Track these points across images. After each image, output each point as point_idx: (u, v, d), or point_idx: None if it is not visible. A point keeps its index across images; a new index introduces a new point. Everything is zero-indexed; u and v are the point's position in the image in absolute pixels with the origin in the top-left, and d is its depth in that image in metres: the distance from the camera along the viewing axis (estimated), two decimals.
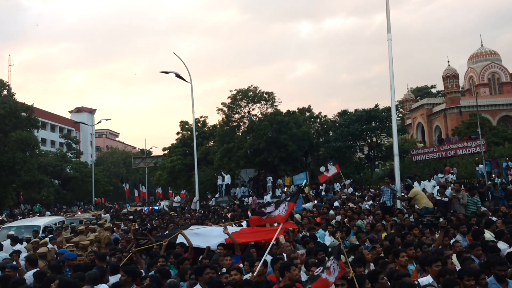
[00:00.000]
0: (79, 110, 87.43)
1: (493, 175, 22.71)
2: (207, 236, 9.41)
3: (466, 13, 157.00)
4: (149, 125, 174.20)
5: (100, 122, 53.55)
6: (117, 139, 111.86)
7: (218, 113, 37.04)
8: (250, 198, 25.08)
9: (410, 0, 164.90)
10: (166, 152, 46.55)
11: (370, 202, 17.15)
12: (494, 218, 10.75)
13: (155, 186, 52.51)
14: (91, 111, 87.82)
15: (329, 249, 8.49)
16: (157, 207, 35.34)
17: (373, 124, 36.48)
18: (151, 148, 70.73)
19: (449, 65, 58.43)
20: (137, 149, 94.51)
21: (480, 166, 24.48)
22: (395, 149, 14.23)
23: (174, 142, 44.56)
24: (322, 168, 23.83)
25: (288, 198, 8.69)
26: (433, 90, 76.61)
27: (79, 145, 76.00)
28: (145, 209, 33.48)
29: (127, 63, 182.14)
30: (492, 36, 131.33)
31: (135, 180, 64.56)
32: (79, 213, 30.65)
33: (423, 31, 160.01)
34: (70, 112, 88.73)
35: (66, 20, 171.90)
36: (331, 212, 15.26)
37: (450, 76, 57.11)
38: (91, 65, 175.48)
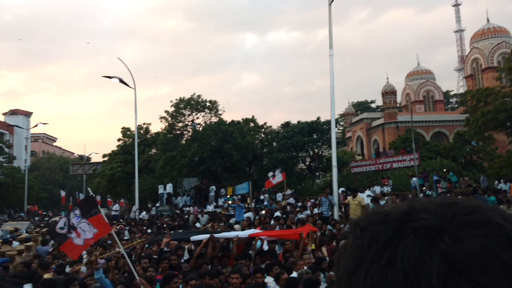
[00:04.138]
0: (13, 112, 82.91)
1: (424, 188, 23.95)
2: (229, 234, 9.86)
3: (403, 33, 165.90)
4: (89, 131, 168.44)
5: (36, 126, 51.03)
6: (54, 144, 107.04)
7: (161, 121, 36.56)
8: (192, 208, 24.86)
9: (351, 18, 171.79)
10: (106, 159, 45.20)
11: (308, 212, 17.54)
12: None
13: (93, 193, 50.68)
14: (27, 114, 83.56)
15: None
16: None
17: (315, 136, 37.41)
18: (91, 154, 68.31)
19: (388, 81, 60.90)
20: (75, 155, 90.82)
21: (414, 179, 25.74)
22: (334, 161, 14.67)
23: (115, 149, 43.38)
24: (270, 174, 24.24)
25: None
26: (373, 105, 79.62)
27: (12, 149, 72.01)
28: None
29: (67, 66, 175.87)
30: (428, 55, 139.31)
31: (72, 187, 61.98)
32: None
33: (363, 48, 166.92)
34: (4, 114, 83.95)
35: (1, 19, 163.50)
36: (272, 222, 15.44)
37: (388, 92, 59.57)
38: (28, 67, 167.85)
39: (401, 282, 0.49)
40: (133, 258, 9.66)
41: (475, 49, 66.51)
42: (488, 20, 66.97)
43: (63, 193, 48.88)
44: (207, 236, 9.18)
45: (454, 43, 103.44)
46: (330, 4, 14.58)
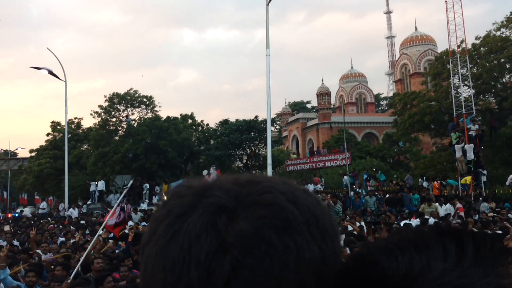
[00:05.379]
0: None
1: (354, 186, 24.97)
2: None
3: (338, 37, 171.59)
4: (15, 124, 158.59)
5: None
6: None
7: (93, 117, 35.32)
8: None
9: (288, 19, 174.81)
10: (33, 154, 42.94)
11: None
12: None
13: (19, 190, 47.97)
14: None
15: None
16: (17, 215, 31.98)
17: (252, 135, 37.79)
18: (17, 149, 64.50)
19: (322, 83, 62.65)
20: None
21: (345, 177, 26.73)
22: (269, 158, 14.91)
23: (44, 143, 41.34)
24: (205, 172, 24.19)
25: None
26: (308, 106, 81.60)
27: None
28: None
29: None
30: (361, 59, 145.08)
31: None
32: None
33: (300, 50, 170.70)
34: None
35: None
36: None
37: (323, 94, 61.31)
38: None
39: (175, 256, 0.49)
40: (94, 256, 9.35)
41: (404, 55, 70.09)
42: (416, 28, 70.84)
43: None
44: None
45: (385, 48, 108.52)
46: (267, 4, 14.80)
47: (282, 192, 0.54)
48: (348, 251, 7.44)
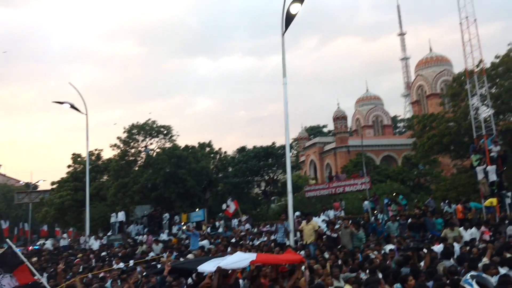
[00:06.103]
0: None
1: (376, 211, 24.55)
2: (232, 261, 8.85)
3: (352, 61, 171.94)
4: (36, 157, 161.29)
5: None
6: None
7: (113, 149, 35.83)
8: (145, 237, 24.14)
9: (302, 45, 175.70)
10: (54, 186, 43.52)
11: (265, 238, 17.55)
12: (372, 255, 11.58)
13: (40, 223, 48.46)
14: None
15: None
16: (37, 247, 32.20)
17: (270, 161, 37.77)
18: (38, 181, 65.47)
19: (338, 107, 62.63)
20: (21, 182, 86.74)
21: (365, 202, 26.34)
22: (289, 186, 14.79)
23: (65, 176, 41.92)
24: (224, 206, 24.23)
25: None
26: (325, 130, 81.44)
27: None
28: (18, 250, 30.15)
29: (12, 89, 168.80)
30: (376, 82, 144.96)
31: (16, 217, 58.91)
32: None
33: (315, 74, 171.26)
34: None
35: None
36: (229, 249, 15.31)
37: (339, 117, 61.22)
38: None
39: None
40: None
41: (420, 77, 69.86)
42: (430, 49, 70.77)
43: (5, 224, 46.16)
44: (213, 267, 8.48)
45: (400, 70, 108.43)
46: (283, 35, 14.94)
47: None
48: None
